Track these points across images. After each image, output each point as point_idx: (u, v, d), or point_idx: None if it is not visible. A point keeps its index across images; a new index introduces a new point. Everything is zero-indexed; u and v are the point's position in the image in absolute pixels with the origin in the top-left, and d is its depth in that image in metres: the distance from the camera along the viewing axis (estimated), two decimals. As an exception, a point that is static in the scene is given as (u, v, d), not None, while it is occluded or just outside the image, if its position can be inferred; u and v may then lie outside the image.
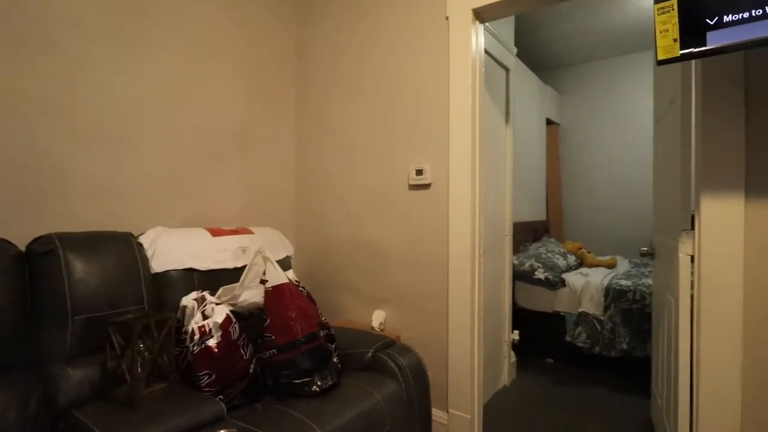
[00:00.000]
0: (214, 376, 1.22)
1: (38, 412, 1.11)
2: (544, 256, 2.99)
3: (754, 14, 0.98)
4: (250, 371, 1.34)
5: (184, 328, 1.27)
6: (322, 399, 1.34)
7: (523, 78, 3.45)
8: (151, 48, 1.75)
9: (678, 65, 1.54)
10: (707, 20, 1.04)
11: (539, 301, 2.86)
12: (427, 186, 1.95)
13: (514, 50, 2.60)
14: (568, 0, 1.81)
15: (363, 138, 2.17)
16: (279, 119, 2.36)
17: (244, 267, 1.73)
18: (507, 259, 2.57)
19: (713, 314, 1.33)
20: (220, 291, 1.47)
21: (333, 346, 1.54)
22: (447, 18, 1.87)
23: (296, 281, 1.54)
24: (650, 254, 2.15)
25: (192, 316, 1.25)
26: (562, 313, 2.78)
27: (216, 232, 1.74)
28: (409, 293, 2.02)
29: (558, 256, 3.05)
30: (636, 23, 3.44)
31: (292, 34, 2.42)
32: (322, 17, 2.32)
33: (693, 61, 1.46)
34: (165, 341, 1.20)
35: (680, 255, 1.52)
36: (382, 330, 2.08)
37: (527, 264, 2.89)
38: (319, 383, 1.36)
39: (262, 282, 1.45)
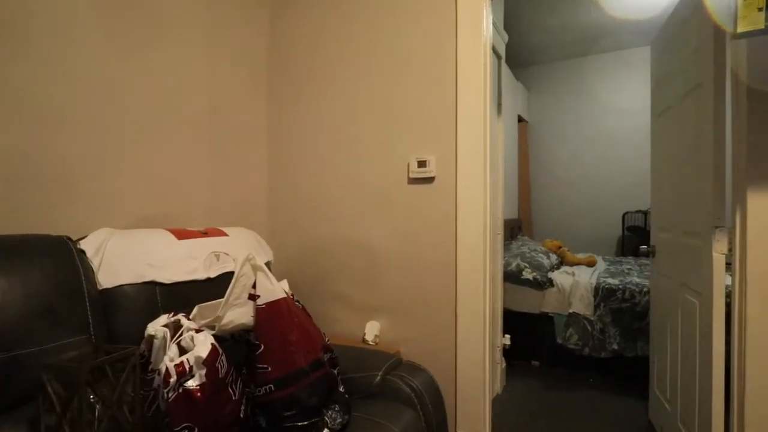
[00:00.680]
0: (196, 429, 0.90)
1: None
2: (528, 255, 2.88)
3: None
4: (241, 415, 1.04)
5: (151, 366, 0.94)
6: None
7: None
8: (92, 0, 1.36)
9: (707, 48, 1.44)
10: (802, -15, 0.90)
11: (526, 302, 2.74)
12: (430, 180, 1.73)
13: (506, 36, 2.45)
14: None
15: (352, 125, 1.89)
16: (250, 105, 2.02)
17: (219, 277, 1.41)
18: (500, 259, 2.41)
19: (761, 318, 1.23)
20: (195, 311, 1.14)
21: (336, 372, 1.26)
22: (454, -9, 1.65)
23: (291, 294, 1.25)
24: (651, 253, 2.08)
25: (163, 349, 0.93)
26: (550, 314, 2.68)
27: (181, 234, 1.39)
28: (409, 301, 1.78)
29: (541, 255, 2.96)
30: (607, 23, 3.46)
31: (265, 4, 2.08)
32: (301, -14, 2.01)
33: (730, 50, 1.36)
34: (126, 387, 0.86)
35: (714, 254, 1.41)
36: (376, 344, 1.83)
37: (514, 264, 2.77)
38: (330, 424, 1.09)
39: (252, 297, 1.14)
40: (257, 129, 2.06)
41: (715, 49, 1.39)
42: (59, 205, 1.28)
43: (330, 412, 1.12)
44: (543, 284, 2.69)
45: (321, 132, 1.97)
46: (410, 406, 1.33)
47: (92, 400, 0.81)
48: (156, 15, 1.57)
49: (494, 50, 2.30)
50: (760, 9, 0.93)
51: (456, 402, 1.68)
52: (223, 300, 1.14)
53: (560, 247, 3.17)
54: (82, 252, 1.12)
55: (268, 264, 1.65)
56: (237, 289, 1.12)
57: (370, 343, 1.82)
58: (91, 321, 1.03)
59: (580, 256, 3.23)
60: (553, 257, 3.06)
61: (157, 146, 1.58)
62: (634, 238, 3.81)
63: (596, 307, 2.56)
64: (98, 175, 1.39)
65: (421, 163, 1.72)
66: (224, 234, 1.55)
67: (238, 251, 1.55)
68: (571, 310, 2.59)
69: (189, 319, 1.03)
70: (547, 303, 2.69)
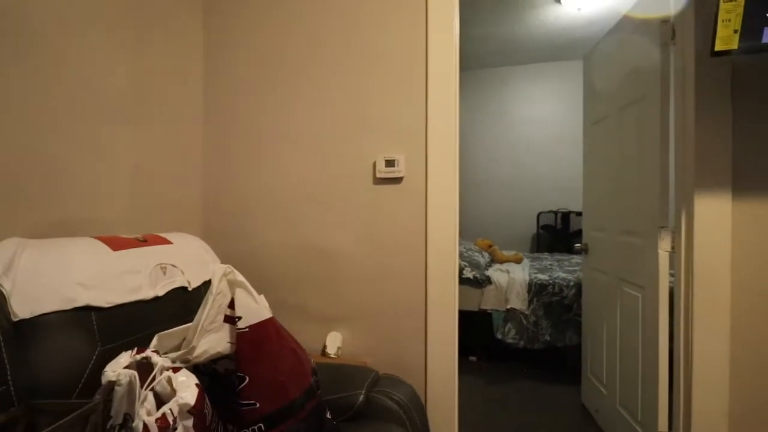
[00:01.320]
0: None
1: None
2: (466, 254, 2.96)
3: (813, 11, 0.98)
4: (228, 465, 0.84)
5: (111, 422, 0.71)
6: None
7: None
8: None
9: (652, 64, 1.59)
10: (767, 14, 1.01)
11: (466, 300, 2.81)
12: (399, 180, 1.64)
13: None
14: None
15: (310, 119, 1.73)
16: (180, 89, 1.72)
17: (168, 294, 1.16)
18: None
19: (706, 307, 1.38)
20: (154, 342, 0.91)
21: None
22: (425, -16, 1.59)
23: (268, 311, 1.07)
24: (584, 250, 2.27)
25: (129, 398, 0.70)
26: (489, 311, 2.78)
27: (116, 244, 1.11)
28: (376, 309, 1.68)
29: (477, 254, 3.07)
30: (531, 37, 3.72)
31: (199, -27, 1.80)
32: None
33: (672, 65, 1.51)
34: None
35: (659, 251, 1.56)
36: (338, 357, 1.69)
37: (454, 264, 2.81)
38: (331, 459, 0.94)
39: (229, 320, 0.94)
40: (189, 116, 1.77)
41: (662, 65, 1.53)
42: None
43: (328, 445, 0.98)
44: (482, 282, 2.78)
45: (272, 125, 1.77)
46: (399, 423, 1.23)
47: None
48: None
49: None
50: (735, 31, 1.02)
51: (426, 411, 1.62)
52: (191, 325, 0.93)
53: (491, 246, 3.32)
54: (-14, 272, 0.81)
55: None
56: (212, 311, 0.92)
57: (332, 356, 1.68)
58: (7, 366, 0.75)
59: (509, 254, 3.43)
60: (486, 256, 3.19)
61: (72, 136, 1.25)
62: (548, 236, 4.18)
63: (530, 301, 2.72)
64: (-8, 166, 1.04)
65: (390, 163, 1.63)
66: (167, 241, 1.29)
67: (187, 261, 1.30)
68: (508, 306, 2.72)
69: (158, 354, 0.80)
70: (486, 300, 2.79)
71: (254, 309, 0.95)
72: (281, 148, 1.76)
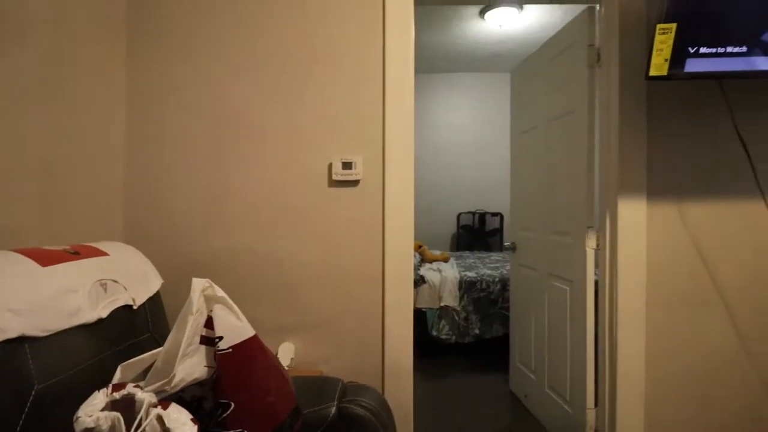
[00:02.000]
0: None
1: None
2: (400, 255, 3.01)
3: (719, 50, 1.19)
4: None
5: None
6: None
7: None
8: None
9: (581, 82, 1.79)
10: (689, 48, 1.20)
11: (402, 300, 2.86)
12: (356, 183, 1.61)
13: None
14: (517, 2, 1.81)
15: (261, 118, 1.61)
16: (101, 64, 1.49)
17: (113, 315, 0.99)
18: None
19: (627, 297, 1.59)
20: (118, 374, 0.77)
21: (296, 413, 1.05)
22: (382, -14, 1.58)
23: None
24: (512, 248, 2.46)
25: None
26: (423, 309, 2.87)
27: (44, 258, 0.92)
28: (331, 316, 1.63)
29: (409, 254, 3.14)
30: (455, 47, 3.91)
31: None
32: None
33: (598, 84, 1.71)
34: None
35: (587, 249, 1.76)
36: (291, 368, 1.60)
37: (390, 264, 2.85)
38: (325, 480, 0.89)
39: (207, 341, 0.84)
40: (109, 102, 1.54)
41: (589, 84, 1.73)
42: None
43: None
44: (417, 282, 2.86)
45: (218, 122, 1.61)
46: (372, 431, 1.21)
47: None
48: None
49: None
50: (665, 60, 1.20)
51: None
52: (162, 350, 0.81)
53: (420, 246, 3.44)
54: None
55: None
56: (189, 332, 0.81)
57: (285, 368, 1.59)
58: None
59: (436, 253, 3.58)
60: (417, 256, 3.29)
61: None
62: (467, 235, 4.45)
63: (461, 298, 2.87)
64: None
65: (347, 165, 1.59)
66: (103, 253, 1.10)
67: (129, 275, 1.13)
68: (442, 304, 2.84)
69: (137, 387, 0.68)
70: (420, 299, 2.87)
71: (237, 327, 0.86)
72: (229, 148, 1.62)
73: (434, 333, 2.82)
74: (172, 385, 0.76)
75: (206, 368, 0.84)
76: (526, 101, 2.33)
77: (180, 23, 1.62)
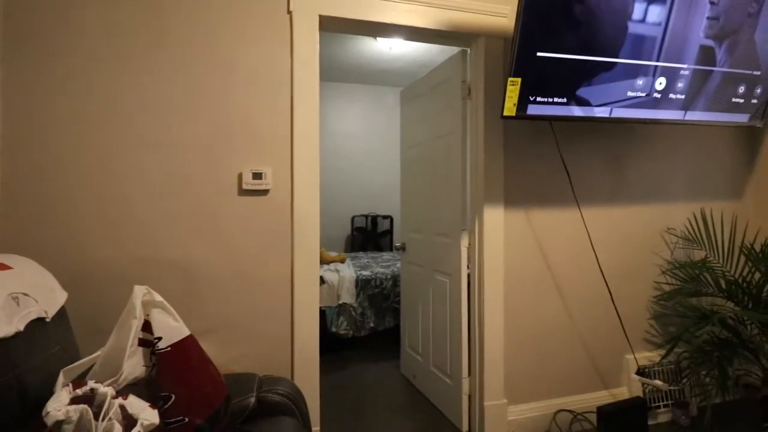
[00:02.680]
0: None
1: None
2: (300, 257, 3.15)
3: (549, 100, 1.63)
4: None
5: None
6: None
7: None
8: None
9: (456, 109, 2.17)
10: (529, 97, 1.62)
11: (302, 300, 3.00)
12: (265, 192, 1.74)
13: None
14: (406, 39, 2.09)
15: (170, 126, 1.63)
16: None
17: (28, 328, 0.99)
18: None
19: (491, 286, 2.01)
20: (61, 378, 0.81)
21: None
22: (290, 12, 1.74)
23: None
24: (402, 248, 2.80)
25: (89, 429, 0.66)
26: (322, 308, 3.05)
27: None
28: (242, 317, 1.72)
29: (308, 256, 3.29)
30: (349, 61, 4.15)
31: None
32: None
33: (469, 114, 2.11)
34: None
35: (461, 248, 2.15)
36: (202, 370, 1.66)
37: (291, 267, 2.97)
38: (257, 452, 1.04)
39: (145, 343, 0.92)
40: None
41: (462, 112, 2.12)
42: None
43: (249, 442, 1.06)
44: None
45: (105, 120, 1.58)
46: (290, 415, 1.37)
47: None
48: None
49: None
50: (514, 104, 1.59)
51: (296, 403, 1.77)
52: (102, 353, 0.88)
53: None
54: None
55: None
56: (131, 334, 0.89)
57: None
58: None
59: (333, 254, 3.78)
60: (316, 257, 3.45)
61: None
62: (360, 237, 4.75)
63: (357, 295, 3.13)
64: None
65: (257, 175, 1.71)
66: (6, 266, 1.07)
67: (36, 288, 1.12)
68: (340, 302, 3.06)
69: (96, 383, 0.75)
70: (320, 298, 3.04)
71: (174, 327, 0.96)
72: (133, 153, 1.60)
73: (333, 329, 3.02)
74: (120, 380, 0.84)
75: (144, 367, 0.92)
76: (413, 120, 2.68)
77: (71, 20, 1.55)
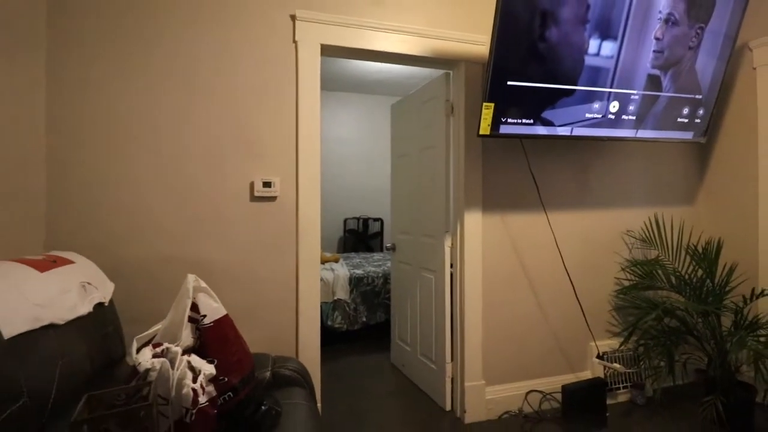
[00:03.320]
0: (209, 442, 0.96)
1: None
2: (298, 257, 3.40)
3: (518, 121, 1.92)
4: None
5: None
6: (284, 425, 1.29)
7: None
8: None
9: (440, 125, 2.45)
10: (501, 118, 1.90)
11: (300, 297, 3.25)
12: (273, 198, 1.99)
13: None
14: (397, 63, 2.36)
15: (195, 139, 1.88)
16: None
17: (93, 310, 1.24)
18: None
19: (471, 282, 2.29)
20: (134, 344, 1.06)
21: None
22: (295, 42, 2.00)
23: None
24: (393, 248, 3.07)
25: (165, 380, 0.91)
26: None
27: (39, 265, 1.14)
28: (251, 308, 1.96)
29: (305, 256, 3.54)
30: (343, 71, 4.41)
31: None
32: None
33: (452, 129, 2.39)
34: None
35: (445, 247, 2.42)
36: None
37: (290, 266, 3.22)
38: (277, 408, 1.29)
39: (192, 320, 1.17)
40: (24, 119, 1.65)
41: (446, 128, 2.40)
42: None
43: (271, 398, 1.32)
44: (314, 280, 3.28)
45: (135, 135, 1.82)
46: (299, 386, 1.63)
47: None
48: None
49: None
50: (488, 125, 1.87)
51: (300, 383, 2.02)
52: (162, 326, 1.13)
53: (314, 249, 3.84)
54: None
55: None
56: (187, 311, 1.14)
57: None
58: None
59: (328, 254, 4.03)
60: (312, 257, 3.70)
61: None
62: (352, 238, 5.00)
63: (351, 292, 3.39)
64: None
65: (267, 184, 1.96)
66: (70, 261, 1.32)
67: (95, 279, 1.37)
68: (335, 298, 3.31)
69: (175, 346, 1.00)
70: (317, 295, 3.29)
71: (215, 307, 1.21)
72: (157, 165, 1.84)
73: (329, 323, 3.27)
74: (179, 345, 1.09)
75: (192, 339, 1.17)
76: (402, 132, 2.95)
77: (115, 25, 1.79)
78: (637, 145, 2.60)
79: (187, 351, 1.14)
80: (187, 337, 1.14)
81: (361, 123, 5.22)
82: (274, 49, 1.98)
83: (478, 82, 2.28)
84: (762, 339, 2.04)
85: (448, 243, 2.41)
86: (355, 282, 3.42)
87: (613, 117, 2.11)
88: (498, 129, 1.92)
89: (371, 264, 3.88)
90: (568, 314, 2.47)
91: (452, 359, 2.39)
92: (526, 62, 1.85)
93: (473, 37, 2.25)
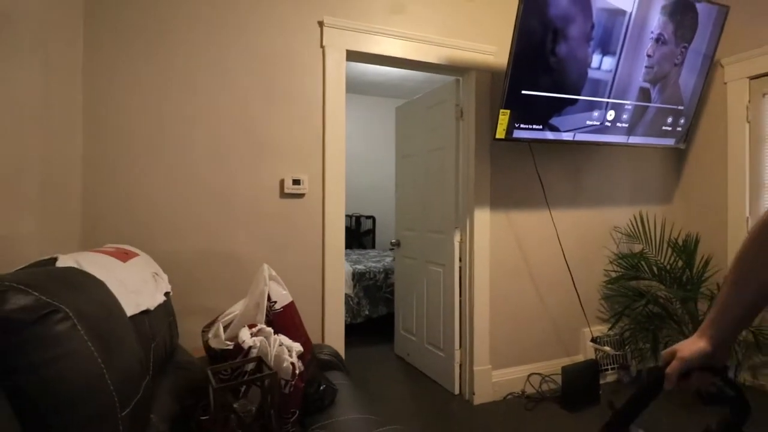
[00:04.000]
0: (297, 412, 1.08)
1: None
2: (302, 253, 3.49)
3: (530, 126, 2.11)
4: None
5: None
6: (338, 404, 1.41)
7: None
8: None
9: (449, 127, 2.61)
10: (515, 124, 2.08)
11: (305, 291, 3.35)
12: (302, 195, 2.09)
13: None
14: (413, 69, 2.49)
15: (233, 137, 1.95)
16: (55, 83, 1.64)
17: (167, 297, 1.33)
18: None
19: (479, 275, 2.47)
20: (220, 326, 1.16)
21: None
22: (323, 47, 2.11)
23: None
24: (397, 244, 3.21)
25: (266, 352, 1.03)
26: (323, 298, 3.40)
27: (120, 256, 1.22)
28: (283, 298, 2.07)
29: (308, 252, 3.63)
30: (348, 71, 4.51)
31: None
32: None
33: (461, 132, 2.56)
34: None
35: (454, 242, 2.59)
36: (251, 343, 1.99)
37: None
38: (333, 386, 1.42)
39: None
40: (65, 113, 1.70)
41: (455, 131, 2.56)
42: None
43: (323, 380, 1.44)
44: (319, 275, 3.38)
45: (179, 139, 1.89)
46: (337, 369, 1.75)
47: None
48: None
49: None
50: (504, 129, 2.05)
51: (325, 370, 2.14)
52: (241, 312, 1.24)
53: (314, 245, 3.94)
54: (101, 283, 0.93)
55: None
56: (265, 297, 1.25)
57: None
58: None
59: (327, 250, 4.13)
60: (313, 253, 3.79)
61: None
62: (346, 236, 5.11)
63: (354, 286, 3.51)
64: None
65: (296, 181, 2.07)
66: (135, 254, 1.39)
67: (158, 270, 1.43)
68: (339, 292, 3.42)
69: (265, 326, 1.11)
70: (321, 289, 3.40)
71: (284, 294, 1.32)
72: (192, 163, 1.91)
73: (334, 316, 3.38)
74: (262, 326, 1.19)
75: (266, 320, 1.28)
76: (408, 134, 3.10)
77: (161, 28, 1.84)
78: (623, 150, 2.86)
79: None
80: (260, 321, 1.25)
81: (356, 124, 5.33)
82: (303, 54, 2.08)
83: (486, 89, 2.45)
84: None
85: (457, 238, 2.58)
86: (357, 277, 3.54)
87: (609, 124, 2.34)
88: (512, 133, 2.11)
89: (370, 260, 4.01)
90: (564, 303, 2.70)
91: (460, 346, 2.57)
92: (538, 74, 2.04)
93: (483, 47, 2.43)
